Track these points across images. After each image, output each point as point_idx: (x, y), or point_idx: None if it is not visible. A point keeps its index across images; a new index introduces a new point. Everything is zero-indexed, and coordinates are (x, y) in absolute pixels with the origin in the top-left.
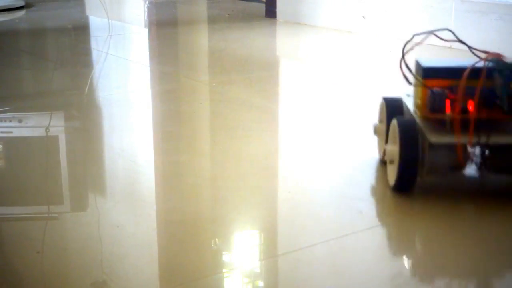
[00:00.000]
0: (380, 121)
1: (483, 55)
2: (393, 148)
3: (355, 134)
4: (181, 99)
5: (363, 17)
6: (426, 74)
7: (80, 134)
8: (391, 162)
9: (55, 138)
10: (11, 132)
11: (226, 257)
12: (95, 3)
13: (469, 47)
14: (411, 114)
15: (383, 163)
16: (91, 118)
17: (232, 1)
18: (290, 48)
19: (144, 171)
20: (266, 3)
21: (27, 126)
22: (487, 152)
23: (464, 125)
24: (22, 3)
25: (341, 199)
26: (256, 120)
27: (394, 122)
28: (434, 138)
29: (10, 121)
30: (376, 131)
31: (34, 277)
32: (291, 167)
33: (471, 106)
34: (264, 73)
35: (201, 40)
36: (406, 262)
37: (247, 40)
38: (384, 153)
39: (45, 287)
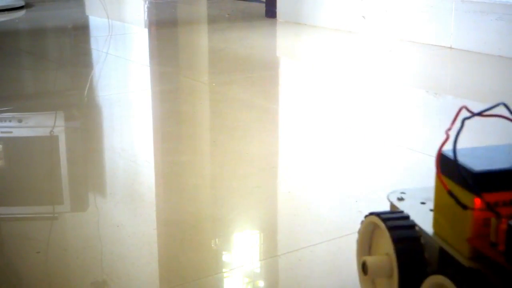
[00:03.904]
0: (363, 251)
1: None
2: None
3: (354, 134)
4: (181, 99)
5: (363, 17)
6: (484, 185)
7: (80, 134)
8: None
9: (55, 138)
10: (11, 132)
11: (226, 257)
12: (95, 3)
13: None
14: (453, 256)
15: None
16: (91, 118)
17: (232, 1)
18: (290, 48)
19: (144, 171)
20: (266, 3)
21: (27, 126)
22: None
23: None
24: (22, 3)
25: (341, 199)
26: (256, 120)
27: (445, 281)
28: None
29: (10, 121)
30: (368, 270)
31: (34, 277)
32: (291, 167)
33: None
34: (264, 73)
35: (201, 40)
36: None
37: (247, 40)
38: None
39: (46, 287)
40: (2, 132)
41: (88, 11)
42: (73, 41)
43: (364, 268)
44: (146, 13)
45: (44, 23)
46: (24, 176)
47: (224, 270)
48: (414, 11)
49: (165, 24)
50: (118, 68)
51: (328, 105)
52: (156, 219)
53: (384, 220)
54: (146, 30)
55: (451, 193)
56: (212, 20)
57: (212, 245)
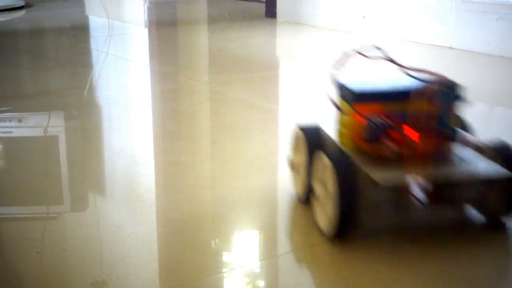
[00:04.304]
0: (295, 152)
1: (415, 73)
2: (328, 190)
3: None
4: (181, 99)
5: (363, 17)
6: (358, 99)
7: (80, 134)
8: (320, 203)
9: (55, 138)
10: (11, 132)
11: (226, 257)
12: (95, 3)
13: (400, 65)
14: (338, 146)
15: (302, 200)
16: (91, 118)
17: (232, 1)
18: (290, 48)
19: (144, 171)
20: (266, 3)
21: (27, 126)
22: (433, 187)
23: (407, 158)
24: (22, 3)
25: None
26: (256, 120)
27: (325, 158)
28: (382, 178)
29: (10, 121)
30: (290, 164)
31: (34, 277)
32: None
33: (415, 136)
34: (264, 73)
35: (201, 40)
36: None
37: (247, 40)
38: (308, 190)
39: (45, 287)
40: (2, 132)
41: (88, 11)
42: (73, 41)
43: (291, 165)
44: (146, 13)
45: (44, 23)
46: (24, 176)
47: (224, 270)
48: (414, 11)
49: (165, 24)
50: (118, 68)
51: (328, 105)
52: (156, 219)
53: (302, 130)
54: (146, 30)
55: (333, 102)
56: (212, 20)
57: (212, 245)
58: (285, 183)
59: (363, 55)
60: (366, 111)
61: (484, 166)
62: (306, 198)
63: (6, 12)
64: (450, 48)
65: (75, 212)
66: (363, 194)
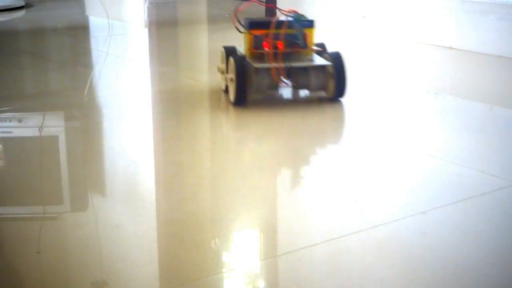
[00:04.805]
0: (221, 62)
1: (286, 12)
2: (232, 76)
3: (353, 133)
4: (181, 99)
5: (363, 17)
6: (251, 27)
7: (80, 134)
8: (231, 85)
9: (55, 138)
10: (11, 132)
11: (226, 257)
12: (95, 3)
13: (278, 8)
14: (240, 53)
15: (225, 91)
16: (91, 118)
17: (232, 1)
18: None
19: (144, 171)
20: (266, 3)
21: (27, 126)
22: (291, 73)
23: (276, 57)
24: (22, 3)
25: (341, 199)
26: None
27: (231, 58)
28: (257, 65)
29: (10, 121)
30: (219, 69)
31: (34, 277)
32: (292, 167)
33: (280, 45)
34: None
35: (201, 40)
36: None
37: None
38: (226, 81)
39: (45, 287)
40: (2, 132)
41: (88, 11)
42: (73, 41)
43: (218, 69)
44: (146, 13)
45: (44, 23)
46: (24, 176)
47: (224, 270)
48: (414, 11)
49: (165, 24)
50: (118, 68)
51: (327, 105)
52: (156, 219)
53: (225, 48)
54: (146, 30)
55: (236, 27)
56: (212, 20)
57: (212, 245)
58: (285, 183)
59: (257, 2)
60: (255, 33)
61: (320, 61)
62: (226, 88)
63: (6, 12)
64: (450, 48)
65: (75, 212)
66: (251, 78)
